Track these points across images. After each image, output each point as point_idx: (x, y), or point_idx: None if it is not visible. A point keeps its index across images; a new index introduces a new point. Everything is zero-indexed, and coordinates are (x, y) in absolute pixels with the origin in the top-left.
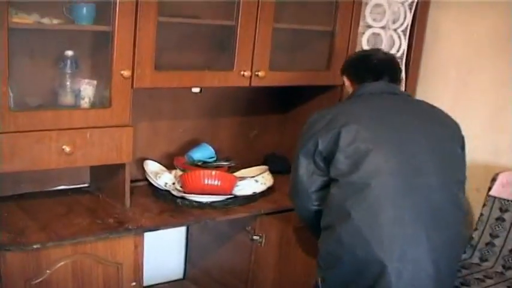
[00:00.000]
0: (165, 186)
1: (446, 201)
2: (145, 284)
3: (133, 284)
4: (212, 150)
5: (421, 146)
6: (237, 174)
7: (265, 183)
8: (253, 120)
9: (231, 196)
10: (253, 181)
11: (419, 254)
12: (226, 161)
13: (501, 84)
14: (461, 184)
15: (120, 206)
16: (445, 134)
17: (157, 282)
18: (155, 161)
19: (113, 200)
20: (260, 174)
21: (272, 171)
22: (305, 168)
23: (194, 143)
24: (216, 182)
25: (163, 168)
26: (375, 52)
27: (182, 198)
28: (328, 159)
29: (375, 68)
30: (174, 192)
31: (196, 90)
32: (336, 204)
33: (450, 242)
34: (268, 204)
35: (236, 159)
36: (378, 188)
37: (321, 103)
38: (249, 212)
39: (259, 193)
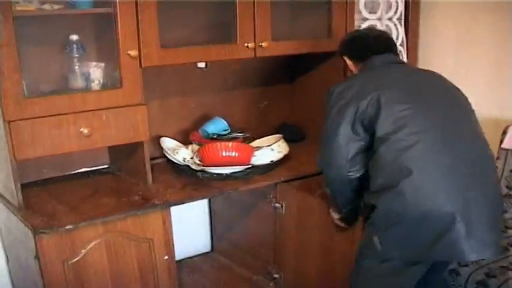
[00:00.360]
0: (184, 161)
1: (482, 150)
2: (176, 258)
3: (166, 257)
4: (225, 123)
5: (445, 104)
6: (253, 144)
7: (281, 151)
8: (262, 91)
9: (250, 166)
10: (270, 150)
11: (478, 199)
12: (240, 132)
13: (502, 39)
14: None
15: (142, 183)
16: (457, 93)
17: (186, 256)
18: (171, 138)
19: (134, 179)
20: (275, 142)
21: (286, 140)
22: (343, 136)
23: (206, 118)
24: (233, 154)
25: (180, 144)
26: (369, 31)
27: (202, 171)
28: (371, 122)
29: (376, 43)
30: (194, 167)
31: (202, 65)
32: (390, 162)
33: (494, 184)
34: (286, 172)
35: (249, 131)
36: (428, 142)
37: (325, 71)
38: (269, 181)
39: (277, 161)
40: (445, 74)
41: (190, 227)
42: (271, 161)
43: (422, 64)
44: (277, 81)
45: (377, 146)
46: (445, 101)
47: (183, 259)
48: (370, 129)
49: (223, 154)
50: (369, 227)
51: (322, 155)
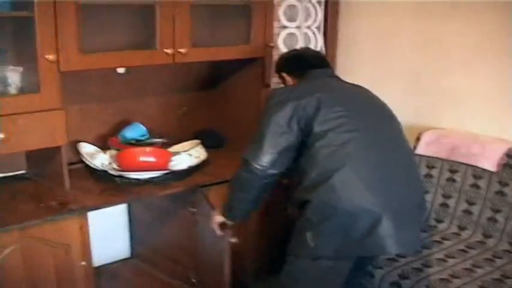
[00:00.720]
0: (102, 166)
1: (408, 152)
2: (94, 264)
3: (84, 263)
4: (144, 128)
5: (375, 111)
6: (171, 150)
7: (199, 157)
8: (182, 97)
9: (168, 172)
10: (187, 155)
11: (404, 196)
12: (159, 138)
13: (418, 48)
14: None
15: (60, 189)
16: (382, 103)
17: (106, 263)
18: (89, 143)
19: (52, 184)
20: (193, 148)
21: (204, 146)
22: (277, 126)
23: (126, 123)
24: (151, 159)
25: (98, 149)
26: (305, 50)
27: (120, 176)
28: (308, 120)
29: (312, 60)
30: (112, 172)
31: (121, 70)
32: (325, 156)
33: (418, 183)
34: (204, 177)
35: (168, 137)
36: (359, 141)
37: (245, 77)
38: (186, 186)
39: (195, 167)
40: (363, 81)
41: (109, 232)
42: (189, 166)
43: (340, 72)
44: (198, 87)
45: (313, 141)
46: (374, 108)
47: (102, 265)
48: (304, 128)
49: (141, 159)
50: (302, 223)
51: (252, 145)
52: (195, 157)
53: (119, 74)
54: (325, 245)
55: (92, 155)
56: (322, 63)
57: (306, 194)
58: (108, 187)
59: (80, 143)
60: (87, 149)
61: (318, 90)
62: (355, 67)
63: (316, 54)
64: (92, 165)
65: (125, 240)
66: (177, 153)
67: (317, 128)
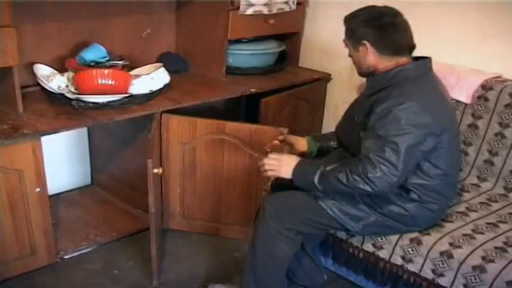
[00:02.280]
0: (59, 89)
1: None
2: (54, 191)
3: (38, 189)
4: (104, 50)
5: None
6: (132, 73)
7: (160, 80)
8: (146, 19)
9: (128, 95)
10: (149, 78)
11: None
12: (120, 60)
13: None
14: None
15: (13, 112)
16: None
17: (65, 190)
18: (46, 65)
19: (5, 107)
20: (155, 71)
21: (168, 70)
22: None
23: (85, 45)
24: (110, 81)
25: (55, 71)
26: (400, 17)
27: (77, 100)
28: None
29: (409, 37)
30: (69, 95)
31: None
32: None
33: None
34: (167, 102)
35: (130, 60)
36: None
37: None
38: (147, 111)
39: (157, 91)
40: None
41: (69, 159)
42: (150, 91)
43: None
44: (163, 9)
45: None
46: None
47: (61, 192)
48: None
49: (99, 82)
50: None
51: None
52: (157, 80)
53: None
54: None
55: (48, 77)
56: (412, 41)
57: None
58: (64, 111)
59: (36, 65)
60: (43, 71)
61: (439, 119)
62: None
63: (407, 25)
64: (48, 88)
65: (86, 167)
66: (137, 76)
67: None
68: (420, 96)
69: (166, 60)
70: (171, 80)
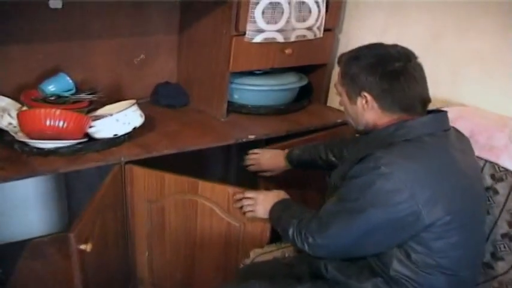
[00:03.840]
0: (7, 127)
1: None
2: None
3: None
4: (70, 81)
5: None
6: (102, 111)
7: (129, 123)
8: (139, 41)
9: (84, 140)
10: (114, 120)
11: None
12: (91, 93)
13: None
14: None
15: None
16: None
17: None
18: (4, 96)
19: None
20: (122, 110)
21: (161, 104)
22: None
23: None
24: (60, 123)
25: (15, 104)
26: (407, 60)
27: (22, 143)
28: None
29: (421, 88)
30: (16, 136)
31: (57, 5)
32: None
33: None
34: (134, 149)
35: (118, 92)
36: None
37: (215, 21)
38: (104, 161)
39: (125, 135)
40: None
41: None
42: (115, 135)
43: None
44: (161, 30)
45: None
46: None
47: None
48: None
49: (48, 123)
50: None
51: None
52: (123, 123)
53: (52, 9)
54: None
55: (3, 111)
56: (427, 93)
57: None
58: (2, 156)
59: None
60: None
61: (441, 190)
62: (365, 17)
63: (422, 72)
64: None
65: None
66: (98, 117)
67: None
68: (411, 165)
69: (162, 92)
70: (154, 118)
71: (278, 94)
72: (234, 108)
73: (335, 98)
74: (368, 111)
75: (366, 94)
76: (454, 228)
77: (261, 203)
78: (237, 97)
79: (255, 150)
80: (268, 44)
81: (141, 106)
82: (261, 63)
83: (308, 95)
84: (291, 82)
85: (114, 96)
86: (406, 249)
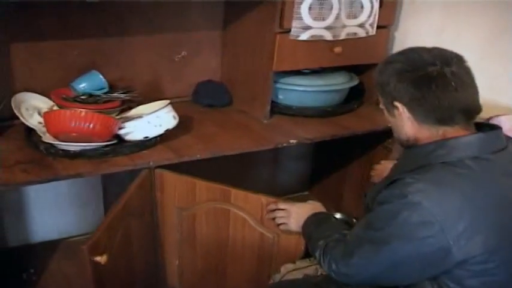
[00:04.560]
0: (37, 127)
1: None
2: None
3: None
4: (102, 79)
5: None
6: (135, 111)
7: (160, 125)
8: (180, 38)
9: (112, 143)
10: (145, 122)
11: None
12: (124, 92)
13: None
14: None
15: None
16: None
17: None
18: (37, 94)
19: None
20: (153, 112)
21: (203, 104)
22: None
23: (97, 70)
24: (86, 125)
25: (48, 103)
26: (442, 56)
27: (49, 144)
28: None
29: (464, 96)
30: (44, 137)
31: None
32: None
33: None
34: (165, 153)
35: (157, 91)
36: None
37: (259, 17)
38: (132, 165)
39: (158, 137)
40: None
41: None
42: (146, 137)
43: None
44: (205, 26)
45: None
46: None
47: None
48: None
49: (73, 125)
50: None
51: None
52: (155, 125)
53: (88, 2)
54: None
55: (34, 110)
56: (473, 102)
57: None
58: (28, 158)
59: (17, 94)
60: (30, 101)
61: (479, 224)
62: (421, 15)
63: (468, 77)
64: (29, 125)
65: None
66: (128, 118)
67: None
68: (444, 194)
69: (203, 91)
70: (192, 118)
71: (325, 95)
72: (278, 109)
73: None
74: (405, 123)
75: (397, 104)
76: (493, 267)
77: (294, 216)
78: (282, 98)
79: (283, 206)
80: (316, 42)
81: (181, 105)
82: (307, 63)
83: (359, 97)
84: (340, 83)
85: (153, 95)
86: (439, 283)
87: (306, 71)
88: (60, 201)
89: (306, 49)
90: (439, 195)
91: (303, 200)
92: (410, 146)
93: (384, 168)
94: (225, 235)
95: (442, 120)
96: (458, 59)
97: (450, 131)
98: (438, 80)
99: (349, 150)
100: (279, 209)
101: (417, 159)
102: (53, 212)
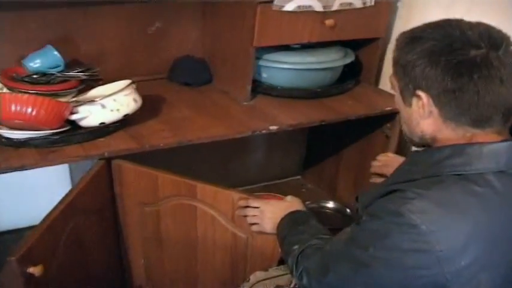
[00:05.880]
0: None
1: None
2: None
3: None
4: (57, 55)
5: None
6: (94, 92)
7: (118, 109)
8: (153, 8)
9: (63, 130)
10: (99, 106)
11: None
12: (83, 71)
13: None
14: None
15: None
16: None
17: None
18: None
19: None
20: (110, 95)
21: (180, 82)
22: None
23: (58, 43)
24: (29, 110)
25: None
26: (485, 38)
27: None
28: None
29: (504, 91)
30: None
31: None
32: None
33: None
34: (124, 141)
35: (126, 68)
36: None
37: None
38: (84, 156)
39: (118, 123)
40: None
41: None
42: (102, 124)
43: None
44: None
45: None
46: None
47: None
48: None
49: (13, 109)
50: None
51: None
52: (111, 110)
53: None
54: None
55: None
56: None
57: None
58: None
59: None
60: None
61: (488, 258)
62: None
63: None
64: None
65: None
66: (81, 102)
67: None
68: (450, 219)
69: (180, 67)
70: (165, 99)
71: (315, 74)
72: (262, 89)
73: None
74: (425, 118)
75: (421, 93)
76: None
77: (269, 215)
78: (266, 76)
79: (256, 203)
80: (304, 13)
81: (154, 84)
82: (294, 37)
83: (355, 75)
84: (333, 59)
85: (124, 73)
86: None
87: (295, 46)
88: (34, 190)
89: (292, 22)
90: (444, 220)
91: (295, 185)
92: (421, 146)
93: (390, 161)
94: (194, 234)
95: (478, 121)
96: (507, 42)
97: (480, 135)
98: (482, 68)
99: (345, 134)
100: (252, 207)
101: (426, 166)
102: (26, 199)
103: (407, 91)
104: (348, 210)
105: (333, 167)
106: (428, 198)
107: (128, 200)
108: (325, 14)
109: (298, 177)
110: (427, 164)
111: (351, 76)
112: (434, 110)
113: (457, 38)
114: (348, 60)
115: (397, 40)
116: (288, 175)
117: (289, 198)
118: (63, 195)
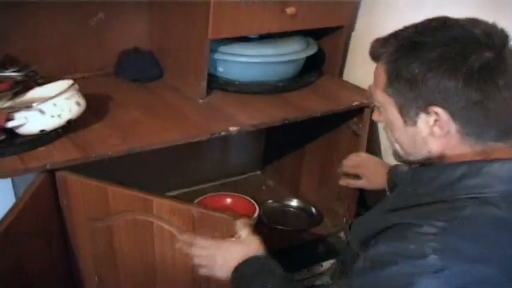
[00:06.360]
0: None
1: None
2: None
3: None
4: None
5: None
6: (33, 93)
7: (59, 115)
8: None
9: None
10: (37, 112)
11: None
12: (18, 71)
13: None
14: None
15: None
16: None
17: None
18: None
19: None
20: (49, 99)
21: (127, 79)
22: None
23: None
24: None
25: None
26: (489, 35)
27: None
28: None
29: None
30: None
31: None
32: None
33: None
34: (67, 151)
35: (67, 64)
36: None
37: None
38: (23, 169)
39: (60, 130)
40: None
41: None
42: (42, 131)
43: None
44: None
45: None
46: None
47: None
48: None
49: None
50: None
51: None
52: (52, 116)
53: None
54: None
55: None
56: None
57: None
58: None
59: None
60: None
61: None
62: None
63: None
64: None
65: None
66: (16, 108)
67: None
68: (480, 258)
69: (127, 62)
70: (111, 99)
71: (276, 67)
72: (218, 84)
73: (353, 71)
74: (439, 138)
75: (438, 110)
76: None
77: (221, 262)
78: (222, 70)
79: (204, 244)
80: (263, 1)
81: (99, 81)
82: (252, 28)
83: (317, 67)
84: (295, 51)
85: (65, 70)
86: None
87: (253, 36)
88: None
89: (250, 11)
90: (475, 256)
91: (255, 181)
92: (418, 163)
93: (363, 161)
94: (151, 252)
95: (505, 132)
96: (505, 34)
97: (501, 151)
98: (500, 70)
99: (307, 128)
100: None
101: (435, 187)
102: None
103: (412, 108)
104: (313, 209)
105: (295, 163)
106: (455, 233)
107: (76, 216)
108: (285, 2)
109: (258, 172)
110: (437, 185)
111: (312, 68)
112: (455, 128)
113: (466, 40)
114: (311, 52)
115: (376, 48)
116: (247, 171)
117: (244, 234)
118: (6, 210)
